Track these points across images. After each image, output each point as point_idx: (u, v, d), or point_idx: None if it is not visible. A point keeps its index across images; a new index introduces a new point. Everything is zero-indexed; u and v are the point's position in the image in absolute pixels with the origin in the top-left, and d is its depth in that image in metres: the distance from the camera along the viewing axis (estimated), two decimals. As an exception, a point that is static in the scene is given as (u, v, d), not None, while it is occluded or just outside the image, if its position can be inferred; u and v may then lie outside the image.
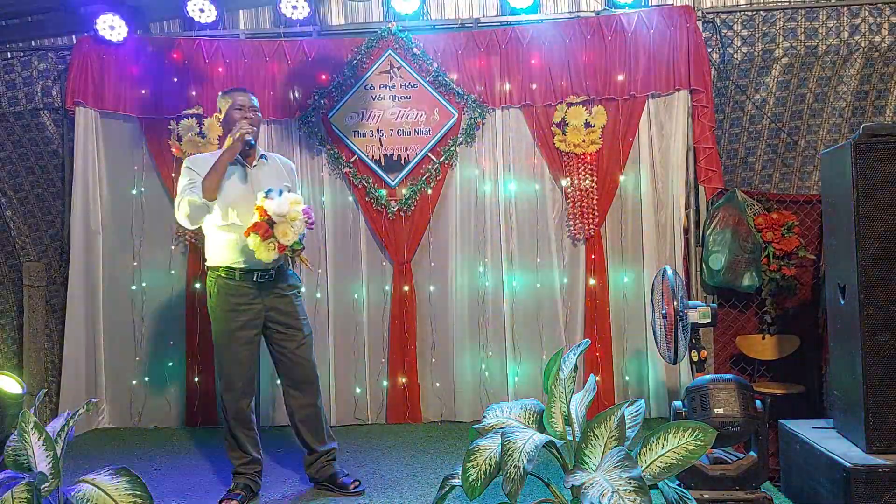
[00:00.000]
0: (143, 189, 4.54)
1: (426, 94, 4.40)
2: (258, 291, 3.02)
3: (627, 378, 4.38)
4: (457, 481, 2.14)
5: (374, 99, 4.43)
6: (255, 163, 3.12)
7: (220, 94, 3.20)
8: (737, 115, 4.44)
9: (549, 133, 4.35)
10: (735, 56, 4.29)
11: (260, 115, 3.18)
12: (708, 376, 2.85)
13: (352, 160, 4.43)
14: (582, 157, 4.32)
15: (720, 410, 2.69)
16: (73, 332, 4.38)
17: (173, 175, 4.44)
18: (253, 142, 3.05)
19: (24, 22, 4.48)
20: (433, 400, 4.42)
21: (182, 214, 2.95)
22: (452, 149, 4.39)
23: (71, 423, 2.25)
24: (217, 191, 2.95)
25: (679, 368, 4.15)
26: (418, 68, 4.40)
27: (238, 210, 2.98)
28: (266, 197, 2.86)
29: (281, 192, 2.88)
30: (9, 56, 4.49)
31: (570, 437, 2.16)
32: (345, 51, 4.43)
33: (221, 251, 3.03)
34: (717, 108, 4.40)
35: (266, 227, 2.83)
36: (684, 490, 2.20)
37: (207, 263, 3.10)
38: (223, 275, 3.02)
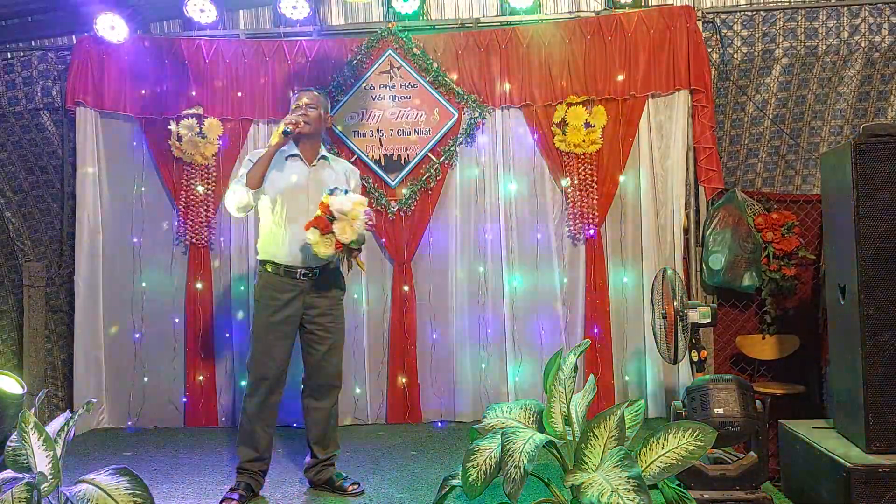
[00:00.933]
0: (143, 189, 4.53)
1: (426, 94, 4.40)
2: (299, 289, 3.04)
3: (627, 378, 4.38)
4: (457, 481, 2.13)
5: (374, 99, 4.43)
6: (314, 162, 3.13)
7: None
8: (738, 115, 4.44)
9: (549, 133, 4.35)
10: (735, 56, 4.29)
11: (321, 112, 3.14)
12: (708, 376, 2.85)
13: (352, 160, 4.42)
14: (582, 157, 4.32)
15: (720, 410, 2.69)
16: (82, 332, 4.39)
17: (173, 175, 4.45)
18: (288, 130, 3.00)
19: (24, 22, 4.48)
20: (433, 400, 4.42)
21: (228, 201, 3.09)
22: (452, 149, 4.39)
23: (71, 423, 2.25)
24: (260, 180, 3.00)
25: (679, 368, 4.14)
26: (418, 68, 4.40)
27: (288, 205, 3.03)
28: (330, 194, 2.91)
29: (346, 192, 2.94)
30: (9, 56, 4.49)
31: (570, 437, 2.16)
32: (345, 51, 4.43)
33: (269, 245, 3.07)
34: (718, 108, 4.40)
35: (326, 222, 2.86)
36: (684, 490, 2.20)
37: (257, 256, 3.15)
38: (268, 269, 3.06)
